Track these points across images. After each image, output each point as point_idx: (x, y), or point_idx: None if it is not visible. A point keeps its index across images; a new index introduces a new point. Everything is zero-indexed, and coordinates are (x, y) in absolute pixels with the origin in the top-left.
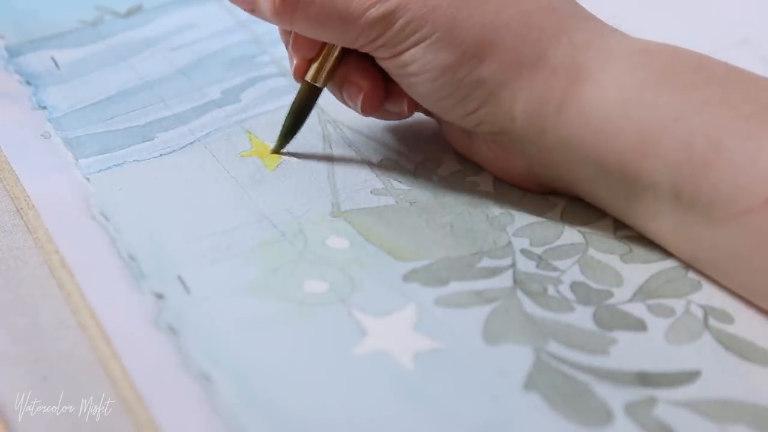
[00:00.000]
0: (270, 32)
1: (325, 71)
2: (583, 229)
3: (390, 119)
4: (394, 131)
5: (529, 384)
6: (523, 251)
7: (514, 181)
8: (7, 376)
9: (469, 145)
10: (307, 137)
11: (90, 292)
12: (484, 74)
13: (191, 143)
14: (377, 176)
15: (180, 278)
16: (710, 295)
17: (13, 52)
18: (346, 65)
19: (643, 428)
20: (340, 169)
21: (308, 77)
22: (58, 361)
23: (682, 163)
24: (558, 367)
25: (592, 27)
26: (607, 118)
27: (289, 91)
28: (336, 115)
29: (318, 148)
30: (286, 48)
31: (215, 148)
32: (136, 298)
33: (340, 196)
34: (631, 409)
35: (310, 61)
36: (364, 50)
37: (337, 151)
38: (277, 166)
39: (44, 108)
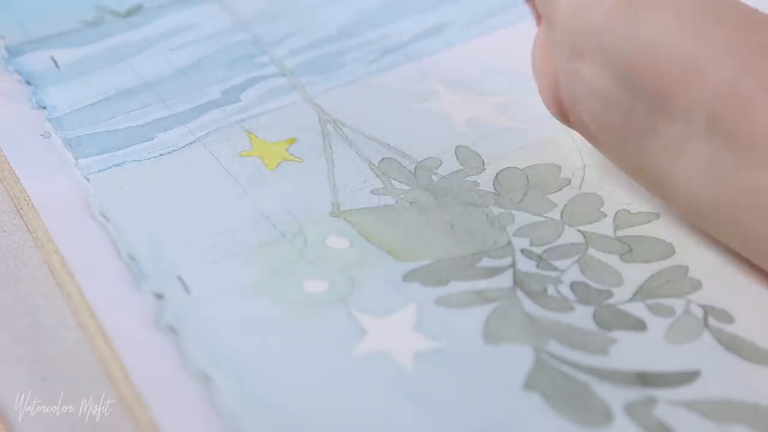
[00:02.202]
0: (270, 32)
1: None
2: (583, 228)
3: None
4: (394, 131)
5: (529, 384)
6: (523, 251)
7: (544, 96)
8: (7, 376)
9: (537, 46)
10: (307, 137)
11: (90, 292)
12: None
13: (191, 143)
14: (377, 176)
15: (180, 278)
16: (710, 294)
17: (13, 52)
18: None
19: (643, 428)
20: (340, 169)
21: None
22: (58, 361)
23: (726, 96)
24: (558, 367)
25: None
26: (657, 38)
27: (289, 91)
28: (336, 115)
29: (318, 148)
30: None
31: (215, 148)
32: (136, 298)
33: (340, 196)
34: (631, 409)
35: None
36: None
37: (337, 151)
38: (277, 166)
39: (44, 108)
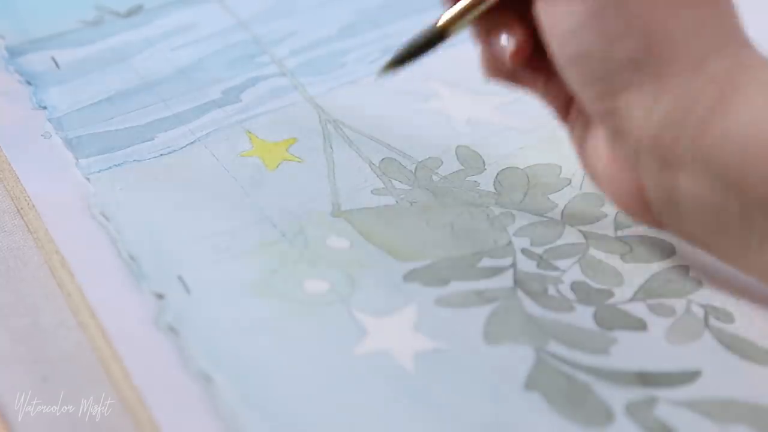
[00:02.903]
0: (270, 32)
1: (460, 22)
2: (583, 228)
3: (525, 87)
4: (395, 131)
5: (530, 384)
6: (524, 251)
7: (623, 205)
8: (7, 376)
9: (581, 146)
10: (307, 137)
11: (90, 292)
12: (640, 57)
13: (191, 143)
14: (377, 176)
15: (180, 278)
16: (711, 294)
17: (13, 52)
18: (503, 14)
19: (643, 428)
20: (340, 169)
21: (439, 23)
22: (58, 361)
23: None
24: (558, 367)
25: (754, 50)
26: (758, 139)
27: (289, 91)
28: (336, 115)
29: (318, 148)
30: None
31: (215, 148)
32: (136, 298)
33: (340, 196)
34: (631, 409)
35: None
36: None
37: (337, 151)
38: (278, 166)
39: (44, 108)
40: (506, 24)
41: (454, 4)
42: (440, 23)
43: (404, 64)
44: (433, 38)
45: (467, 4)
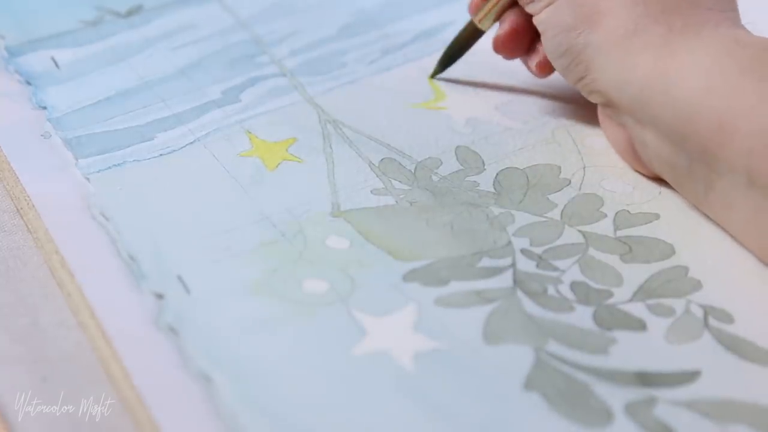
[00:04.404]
0: (270, 32)
1: (489, 18)
2: (583, 228)
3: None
4: (394, 131)
5: (529, 384)
6: (523, 251)
7: (625, 158)
8: (7, 376)
9: (600, 119)
10: (307, 137)
11: (90, 292)
12: (591, 39)
13: (191, 143)
14: (377, 176)
15: (180, 278)
16: (710, 294)
17: (13, 52)
18: (515, 14)
19: (643, 428)
20: (340, 169)
21: (476, 18)
22: (58, 361)
23: (759, 149)
24: (558, 367)
25: (699, 14)
26: (688, 102)
27: (289, 91)
28: (336, 115)
29: (318, 148)
30: None
31: (215, 148)
32: (136, 298)
33: (340, 195)
34: (631, 409)
35: (484, 2)
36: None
37: (337, 151)
38: (277, 166)
39: (44, 108)
40: (520, 23)
41: (481, 6)
42: (476, 18)
43: (450, 63)
44: (473, 34)
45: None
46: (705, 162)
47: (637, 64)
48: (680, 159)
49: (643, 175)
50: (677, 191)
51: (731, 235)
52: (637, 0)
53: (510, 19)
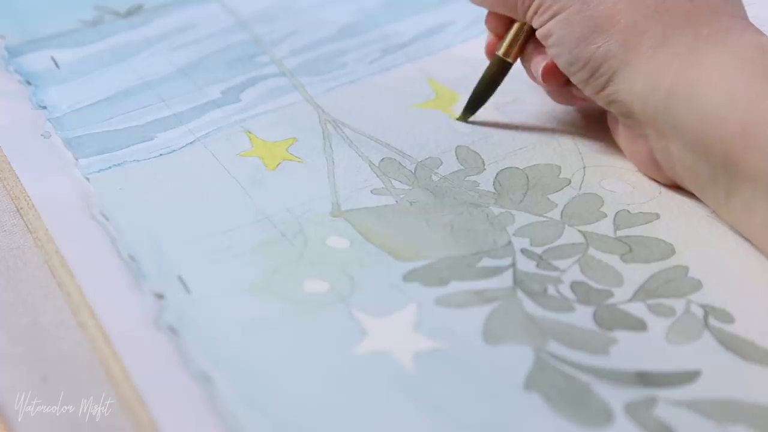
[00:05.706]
0: (270, 32)
1: (514, 48)
2: (583, 228)
3: (570, 104)
4: (395, 131)
5: (529, 384)
6: (524, 251)
7: (643, 169)
8: (7, 376)
9: (614, 130)
10: (307, 137)
11: (90, 292)
12: (614, 51)
13: (191, 143)
14: (377, 176)
15: (180, 278)
16: (710, 294)
17: (13, 52)
18: (535, 43)
19: (643, 428)
20: (340, 169)
21: (499, 52)
22: (58, 361)
23: None
24: (558, 367)
25: (722, 21)
26: (713, 108)
27: (289, 91)
28: (336, 115)
29: (318, 148)
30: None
31: (215, 148)
32: (136, 298)
33: (340, 195)
34: (631, 409)
35: (501, 38)
36: (528, 21)
37: (337, 151)
38: (277, 166)
39: (44, 108)
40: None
41: (495, 28)
42: (500, 52)
43: (480, 104)
44: (501, 70)
45: (517, 29)
46: (727, 168)
47: (667, 73)
48: (702, 167)
49: (657, 181)
50: (698, 197)
51: (748, 240)
52: (659, 8)
53: (539, 48)
